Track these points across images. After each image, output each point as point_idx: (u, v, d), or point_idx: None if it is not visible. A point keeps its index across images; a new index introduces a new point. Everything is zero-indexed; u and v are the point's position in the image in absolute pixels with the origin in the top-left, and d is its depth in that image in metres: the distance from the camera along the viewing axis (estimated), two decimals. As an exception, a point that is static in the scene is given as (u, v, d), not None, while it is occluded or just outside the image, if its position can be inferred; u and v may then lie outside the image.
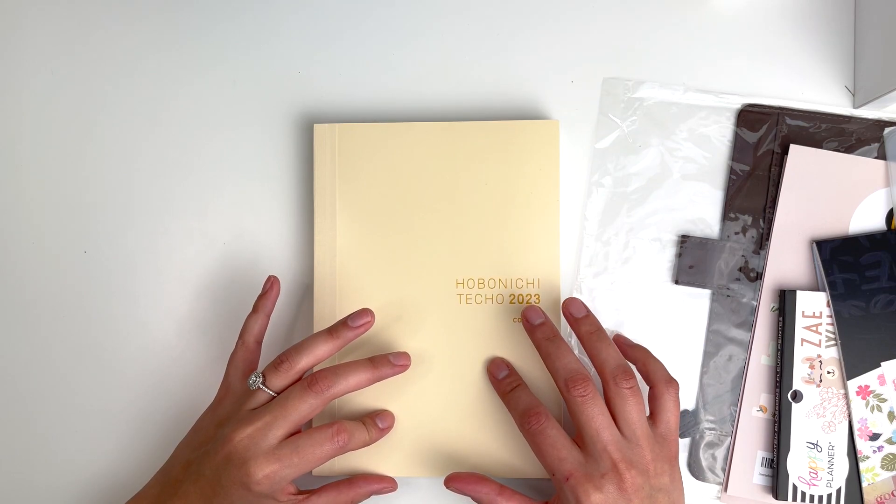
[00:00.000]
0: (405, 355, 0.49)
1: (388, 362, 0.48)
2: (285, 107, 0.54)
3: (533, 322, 0.48)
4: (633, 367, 0.47)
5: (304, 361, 0.46)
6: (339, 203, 0.52)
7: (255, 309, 0.51)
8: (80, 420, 0.53)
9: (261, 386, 0.46)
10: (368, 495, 0.49)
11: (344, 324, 0.48)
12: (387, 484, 0.49)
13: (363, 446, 0.48)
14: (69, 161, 0.55)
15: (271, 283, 0.51)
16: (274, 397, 0.46)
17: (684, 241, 0.52)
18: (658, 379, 0.46)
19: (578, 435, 0.45)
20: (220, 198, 0.54)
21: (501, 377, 0.49)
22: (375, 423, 0.49)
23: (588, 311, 0.48)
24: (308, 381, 0.46)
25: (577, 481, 0.43)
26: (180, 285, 0.54)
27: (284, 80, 0.54)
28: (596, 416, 0.44)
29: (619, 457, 0.43)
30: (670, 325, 0.52)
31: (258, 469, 0.43)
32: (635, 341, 0.49)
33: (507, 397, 0.48)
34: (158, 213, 0.54)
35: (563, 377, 0.45)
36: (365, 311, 0.48)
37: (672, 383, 0.46)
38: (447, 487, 0.47)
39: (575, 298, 0.49)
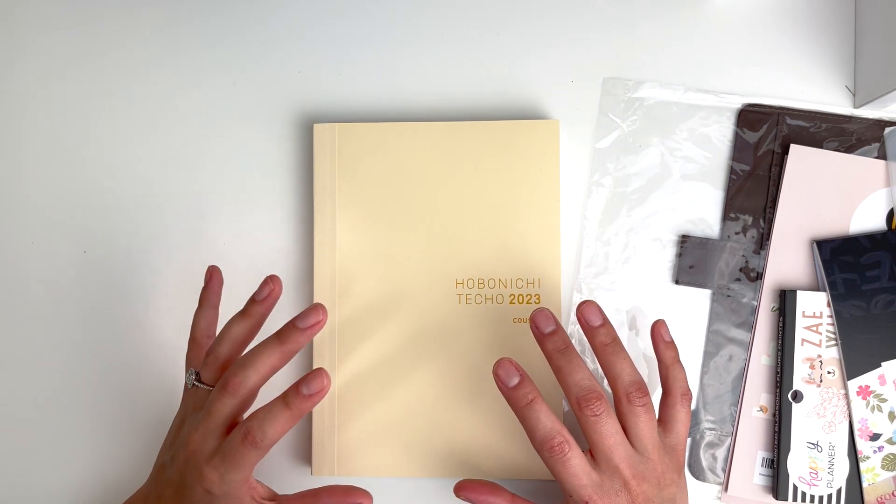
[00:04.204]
0: (315, 311, 0.44)
1: (295, 328, 0.43)
2: (285, 107, 0.54)
3: (543, 330, 0.45)
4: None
5: (224, 349, 0.45)
6: (339, 203, 0.52)
7: (200, 303, 0.49)
8: (78, 420, 0.53)
9: (195, 383, 0.45)
10: None
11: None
12: (356, 498, 0.45)
13: (290, 425, 0.42)
14: (69, 161, 0.55)
15: (211, 274, 0.50)
16: (211, 390, 0.45)
17: (684, 241, 0.52)
18: (676, 388, 0.46)
19: (590, 449, 0.44)
20: (220, 198, 0.54)
21: (513, 385, 0.44)
22: (299, 390, 0.42)
23: (605, 318, 0.46)
24: (221, 382, 0.43)
25: (593, 502, 0.43)
26: (180, 285, 0.54)
27: (284, 80, 0.54)
28: (609, 436, 0.43)
29: (631, 473, 0.43)
30: (670, 325, 0.51)
31: (207, 473, 0.42)
32: (671, 338, 0.47)
33: (522, 412, 0.44)
34: (158, 213, 0.54)
35: (576, 395, 0.43)
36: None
37: (687, 395, 0.46)
38: (457, 496, 0.46)
39: (591, 303, 0.46)
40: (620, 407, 0.44)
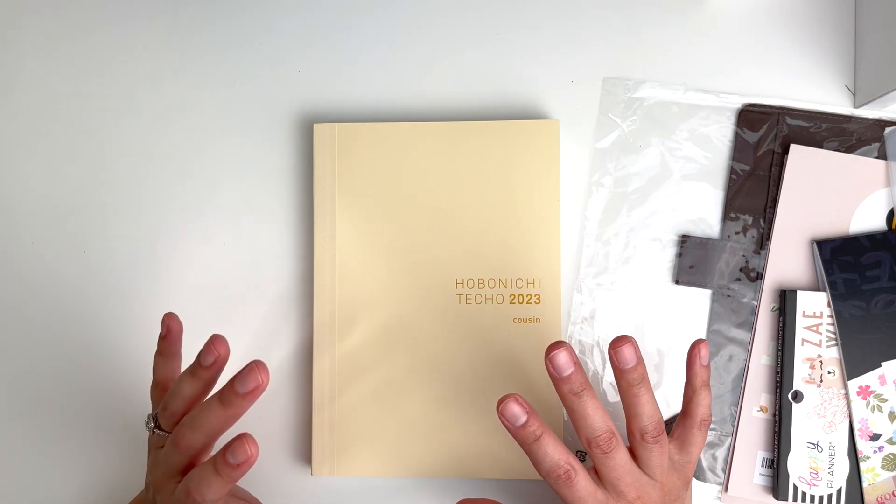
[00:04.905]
0: (252, 373, 0.40)
1: (234, 392, 0.40)
2: (285, 107, 0.54)
3: (561, 373, 0.42)
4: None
5: (176, 405, 0.43)
6: (338, 203, 0.52)
7: (160, 351, 0.46)
8: (78, 420, 0.53)
9: (155, 431, 0.44)
10: None
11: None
12: None
13: (226, 488, 0.40)
14: (69, 161, 0.55)
15: (168, 326, 0.45)
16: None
17: (685, 241, 0.52)
18: (697, 413, 0.45)
19: (597, 471, 0.44)
20: (220, 198, 0.54)
21: (520, 425, 0.42)
22: (225, 459, 0.39)
23: (638, 359, 0.43)
24: (171, 439, 0.42)
25: None
26: (180, 285, 0.54)
27: (284, 80, 0.54)
28: (617, 467, 0.43)
29: (637, 494, 0.43)
30: (670, 325, 0.52)
31: None
32: (708, 362, 0.45)
33: (530, 448, 0.43)
34: (158, 214, 0.54)
35: (587, 436, 0.43)
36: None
37: (707, 421, 0.45)
38: None
39: (629, 343, 0.42)
40: (633, 442, 0.44)
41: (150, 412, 0.46)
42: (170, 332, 0.46)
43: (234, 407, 0.40)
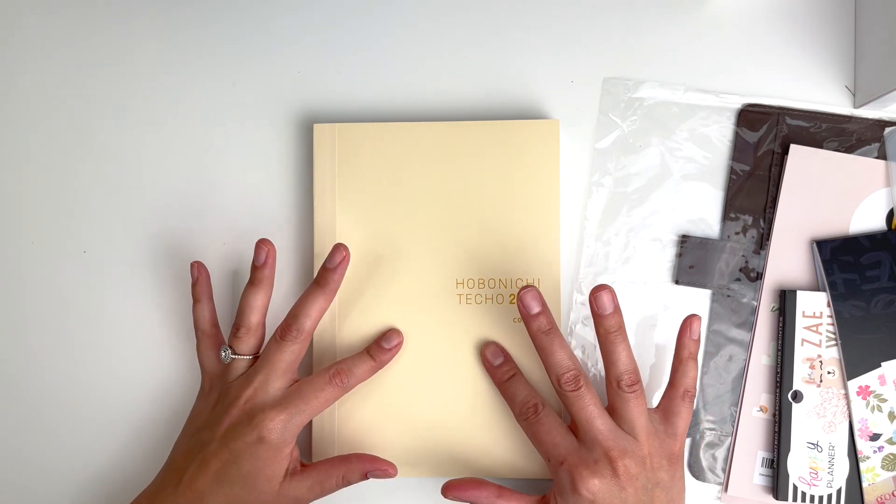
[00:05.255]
0: (337, 250, 0.48)
1: (326, 270, 0.48)
2: (285, 107, 0.54)
3: (530, 311, 0.46)
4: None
5: (251, 317, 0.48)
6: (339, 203, 0.52)
7: (196, 298, 0.51)
8: (79, 420, 0.53)
9: (233, 356, 0.48)
10: (363, 474, 0.48)
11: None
12: (383, 466, 0.48)
13: (372, 374, 0.49)
14: (69, 161, 0.55)
15: (198, 270, 0.51)
16: (250, 359, 0.48)
17: (684, 241, 0.52)
18: (681, 384, 0.47)
19: (574, 426, 0.46)
20: (221, 198, 0.54)
21: (497, 364, 0.49)
22: (380, 345, 0.49)
23: (616, 308, 0.45)
24: (278, 334, 0.47)
25: (571, 465, 0.44)
26: (180, 285, 0.54)
27: (284, 80, 0.54)
28: (587, 407, 0.44)
29: (612, 445, 0.44)
30: (670, 325, 0.52)
31: (270, 416, 0.45)
32: (699, 336, 0.48)
33: (503, 386, 0.48)
34: (158, 213, 0.54)
35: (556, 373, 0.45)
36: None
37: (690, 393, 0.46)
38: (445, 496, 0.47)
39: (608, 290, 0.45)
40: (610, 392, 0.46)
41: (222, 347, 0.49)
42: (200, 275, 0.51)
43: (328, 283, 0.48)
